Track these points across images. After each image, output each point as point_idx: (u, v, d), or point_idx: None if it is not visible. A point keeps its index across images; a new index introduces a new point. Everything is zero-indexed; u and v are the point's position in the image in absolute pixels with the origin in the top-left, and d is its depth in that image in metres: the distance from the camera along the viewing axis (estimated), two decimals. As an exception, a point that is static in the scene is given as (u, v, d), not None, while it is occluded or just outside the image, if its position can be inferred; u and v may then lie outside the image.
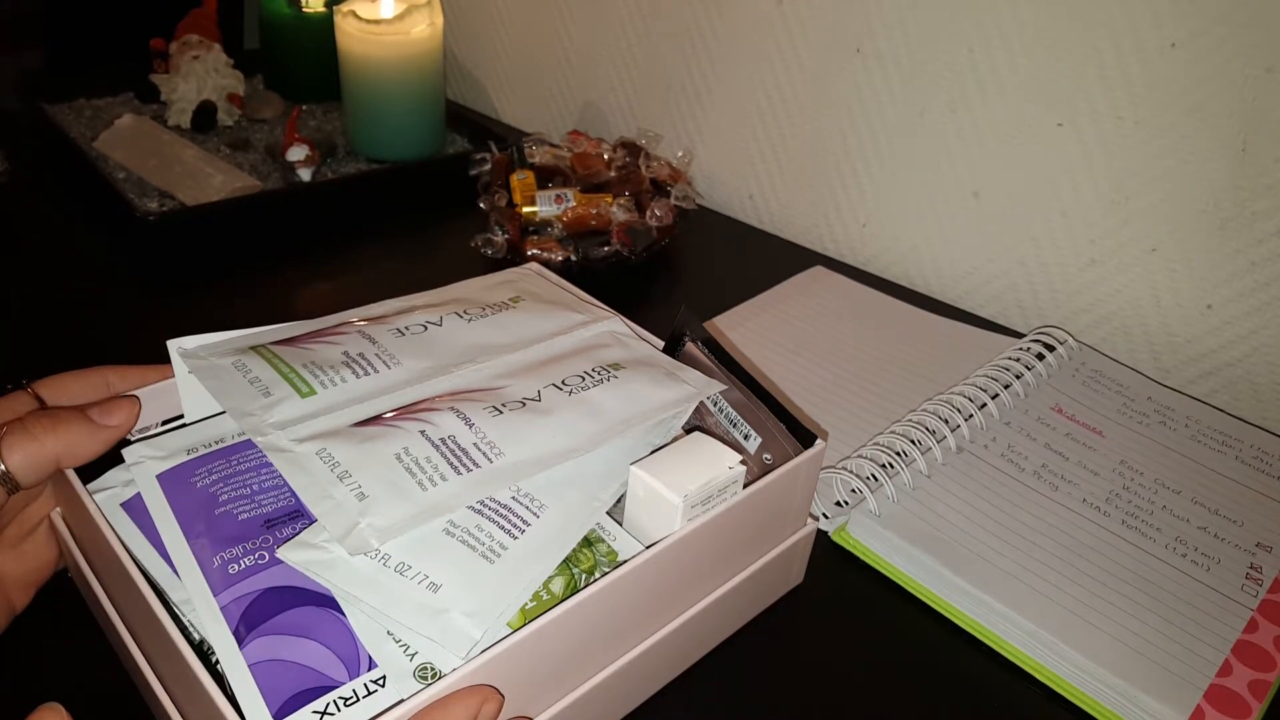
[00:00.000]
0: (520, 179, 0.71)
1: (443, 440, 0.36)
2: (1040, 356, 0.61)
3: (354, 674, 0.31)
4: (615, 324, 0.47)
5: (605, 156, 0.75)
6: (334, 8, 0.81)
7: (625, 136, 0.79)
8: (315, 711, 0.30)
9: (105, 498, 0.38)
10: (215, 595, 0.33)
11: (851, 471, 0.50)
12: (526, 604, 0.34)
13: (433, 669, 0.32)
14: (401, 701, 0.29)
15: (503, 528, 0.35)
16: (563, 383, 0.41)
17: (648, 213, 0.71)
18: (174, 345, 0.40)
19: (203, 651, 0.32)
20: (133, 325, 0.62)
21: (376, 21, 0.78)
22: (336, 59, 0.82)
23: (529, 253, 0.68)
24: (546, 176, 0.73)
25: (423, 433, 0.36)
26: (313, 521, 0.35)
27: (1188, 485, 0.53)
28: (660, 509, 0.36)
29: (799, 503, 0.42)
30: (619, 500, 0.38)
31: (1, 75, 0.92)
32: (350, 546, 0.32)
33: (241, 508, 0.37)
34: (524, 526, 0.35)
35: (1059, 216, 0.66)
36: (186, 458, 0.39)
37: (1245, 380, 0.62)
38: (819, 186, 0.78)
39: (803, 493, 0.42)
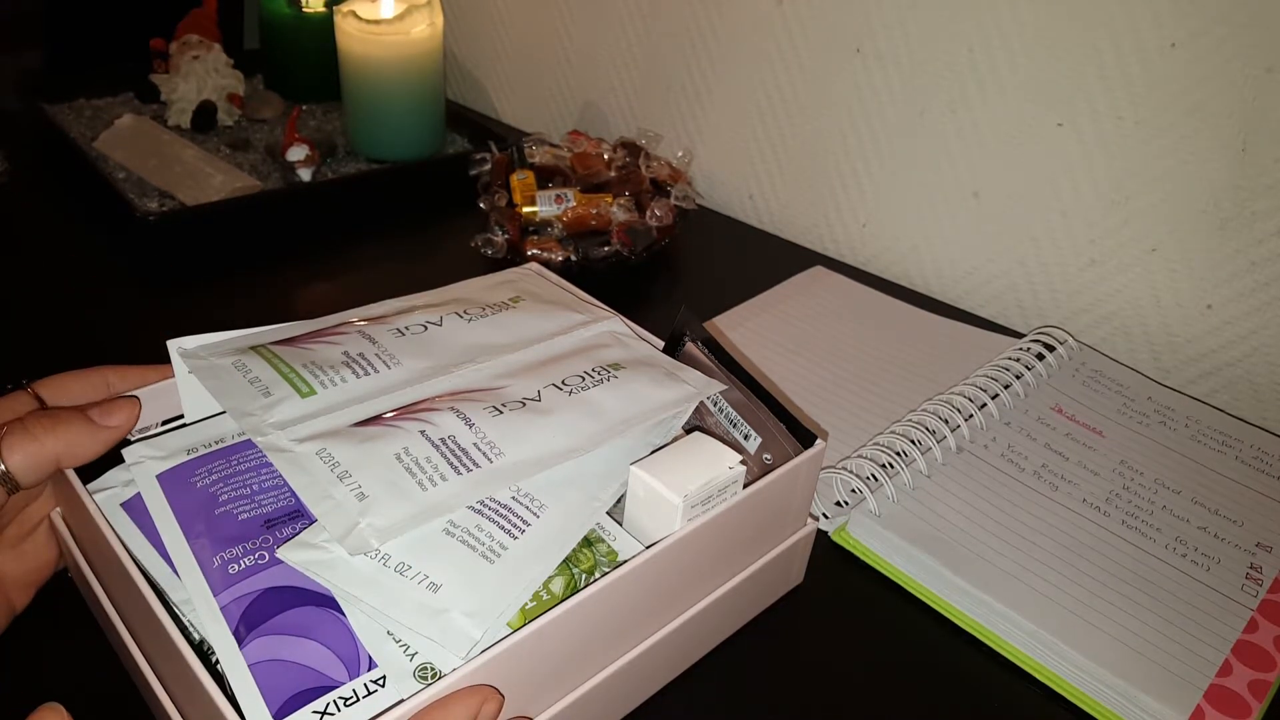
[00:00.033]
0: (520, 179, 0.71)
1: (443, 440, 0.36)
2: (1040, 356, 0.61)
3: (354, 674, 0.31)
4: (615, 324, 0.47)
5: (605, 156, 0.75)
6: (334, 8, 0.81)
7: (625, 136, 0.79)
8: (315, 711, 0.30)
9: (105, 498, 0.38)
10: (215, 595, 0.33)
11: (851, 471, 0.50)
12: (526, 604, 0.34)
13: (433, 669, 0.32)
14: (401, 701, 0.29)
15: (503, 528, 0.35)
16: (563, 383, 0.41)
17: (648, 213, 0.71)
18: (174, 345, 0.40)
19: (203, 651, 0.32)
20: (133, 325, 0.62)
21: (376, 21, 0.78)
22: (336, 59, 0.82)
23: (529, 253, 0.68)
24: (546, 176, 0.73)
25: (423, 433, 0.36)
26: (313, 521, 0.35)
27: (1188, 485, 0.53)
28: (660, 509, 0.36)
29: (799, 503, 0.42)
30: (619, 500, 0.38)
31: (1, 75, 0.92)
32: (350, 546, 0.32)
33: (241, 508, 0.37)
34: (524, 526, 0.35)
35: (1059, 216, 0.66)
36: (186, 458, 0.39)
37: (1245, 380, 0.62)
38: (819, 186, 0.78)
39: (803, 493, 0.42)
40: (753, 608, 0.44)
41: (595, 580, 0.34)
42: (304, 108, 0.90)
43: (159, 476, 0.38)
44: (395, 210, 0.79)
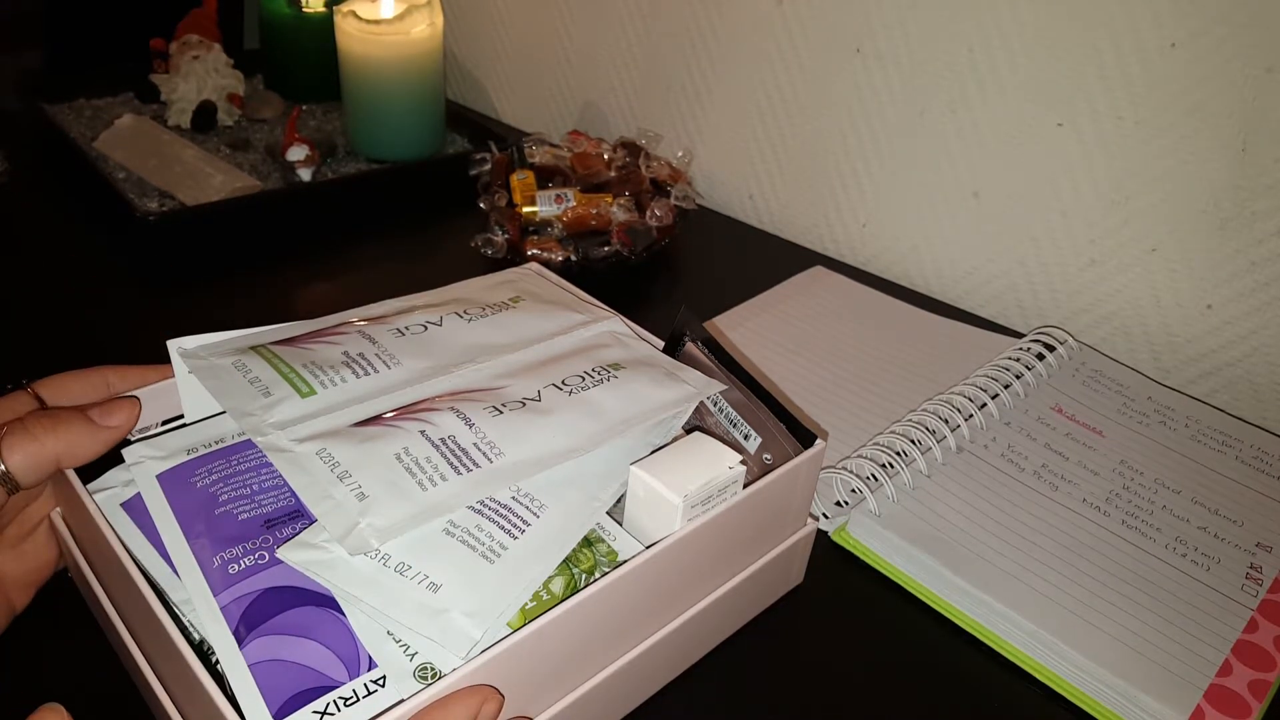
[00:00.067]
0: (520, 179, 0.71)
1: (443, 440, 0.36)
2: (1040, 356, 0.61)
3: (354, 674, 0.31)
4: (615, 324, 0.47)
5: (605, 156, 0.75)
6: (334, 8, 0.81)
7: (625, 136, 0.79)
8: (315, 711, 0.30)
9: (105, 498, 0.38)
10: (215, 595, 0.33)
11: (851, 471, 0.50)
12: (526, 604, 0.34)
13: (433, 669, 0.32)
14: (401, 701, 0.29)
15: (503, 528, 0.35)
16: (563, 383, 0.41)
17: (648, 213, 0.71)
18: (174, 345, 0.40)
19: (203, 651, 0.32)
20: (133, 325, 0.62)
21: (376, 21, 0.78)
22: (336, 59, 0.82)
23: (529, 253, 0.68)
24: (546, 176, 0.73)
25: (423, 433, 0.36)
26: (313, 521, 0.35)
27: (1188, 485, 0.53)
28: (660, 509, 0.36)
29: (799, 503, 0.42)
30: (619, 500, 0.38)
31: (1, 75, 0.92)
32: (350, 546, 0.32)
33: (241, 508, 0.37)
34: (524, 526, 0.35)
35: (1059, 216, 0.66)
36: (186, 458, 0.39)
37: (1245, 380, 0.62)
38: (819, 186, 0.78)
39: (803, 493, 0.42)
40: (753, 608, 0.44)
41: (595, 580, 0.34)
42: (304, 108, 0.90)
43: (159, 476, 0.38)
44: (395, 210, 0.79)
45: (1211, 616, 0.44)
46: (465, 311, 0.45)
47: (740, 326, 0.66)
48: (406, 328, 0.43)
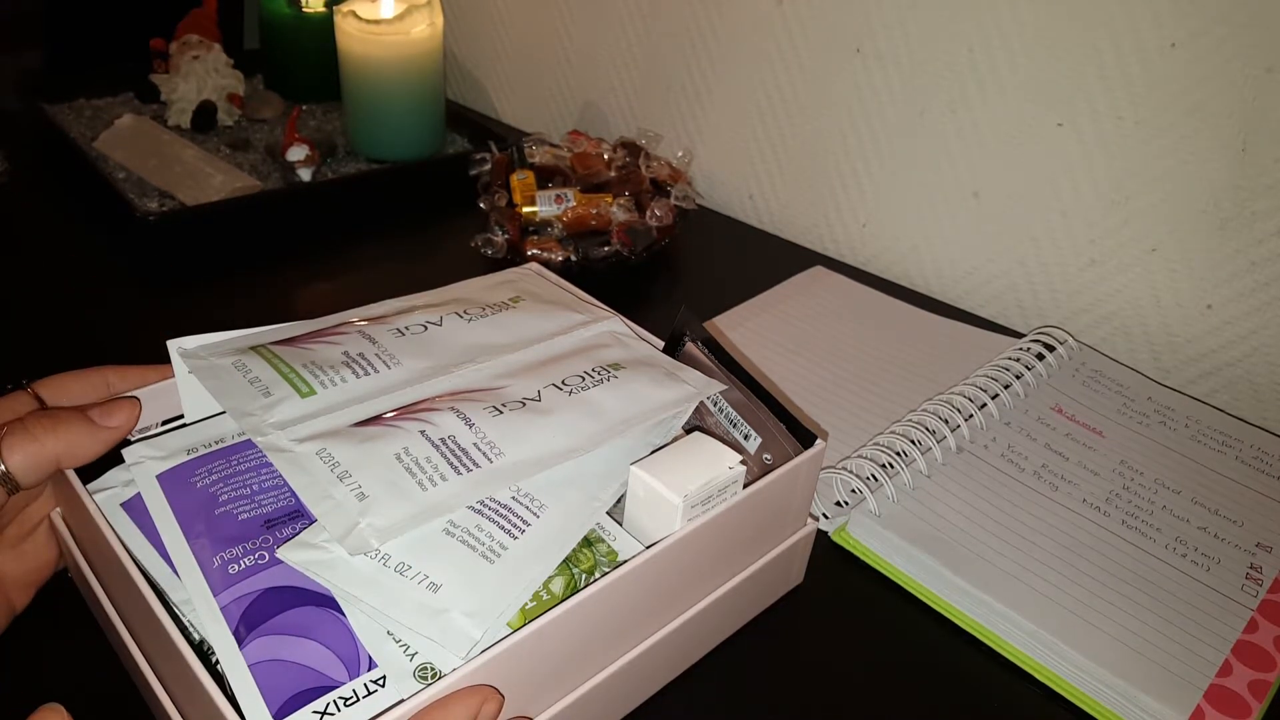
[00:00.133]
0: (520, 179, 0.71)
1: (443, 440, 0.36)
2: (1040, 356, 0.61)
3: (354, 674, 0.31)
4: (615, 324, 0.47)
5: (605, 156, 0.75)
6: (334, 8, 0.81)
7: (625, 136, 0.79)
8: (315, 711, 0.30)
9: (105, 498, 0.38)
10: (215, 595, 0.33)
11: (851, 471, 0.50)
12: (526, 604, 0.34)
13: (433, 669, 0.32)
14: (401, 701, 0.29)
15: (503, 528, 0.35)
16: (563, 383, 0.41)
17: (648, 213, 0.71)
18: (174, 345, 0.40)
19: (203, 651, 0.32)
20: (133, 325, 0.62)
21: (376, 21, 0.78)
22: (336, 59, 0.82)
23: (529, 253, 0.68)
24: (546, 176, 0.73)
25: (423, 433, 0.36)
26: (313, 521, 0.35)
27: (1188, 485, 0.53)
28: (660, 509, 0.36)
29: (799, 503, 0.42)
30: (619, 500, 0.38)
31: (1, 75, 0.92)
32: (350, 546, 0.32)
33: (241, 508, 0.37)
34: (524, 526, 0.35)
35: (1059, 216, 0.66)
36: (186, 458, 0.39)
37: (1245, 380, 0.62)
38: (819, 186, 0.78)
39: (803, 493, 0.42)
40: (753, 608, 0.44)
41: (595, 580, 0.34)
42: (304, 108, 0.90)
43: (159, 476, 0.38)
44: (395, 210, 0.79)
45: (1211, 616, 0.44)
46: (465, 311, 0.45)
47: (740, 326, 0.66)
48: (406, 328, 0.43)
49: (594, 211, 0.70)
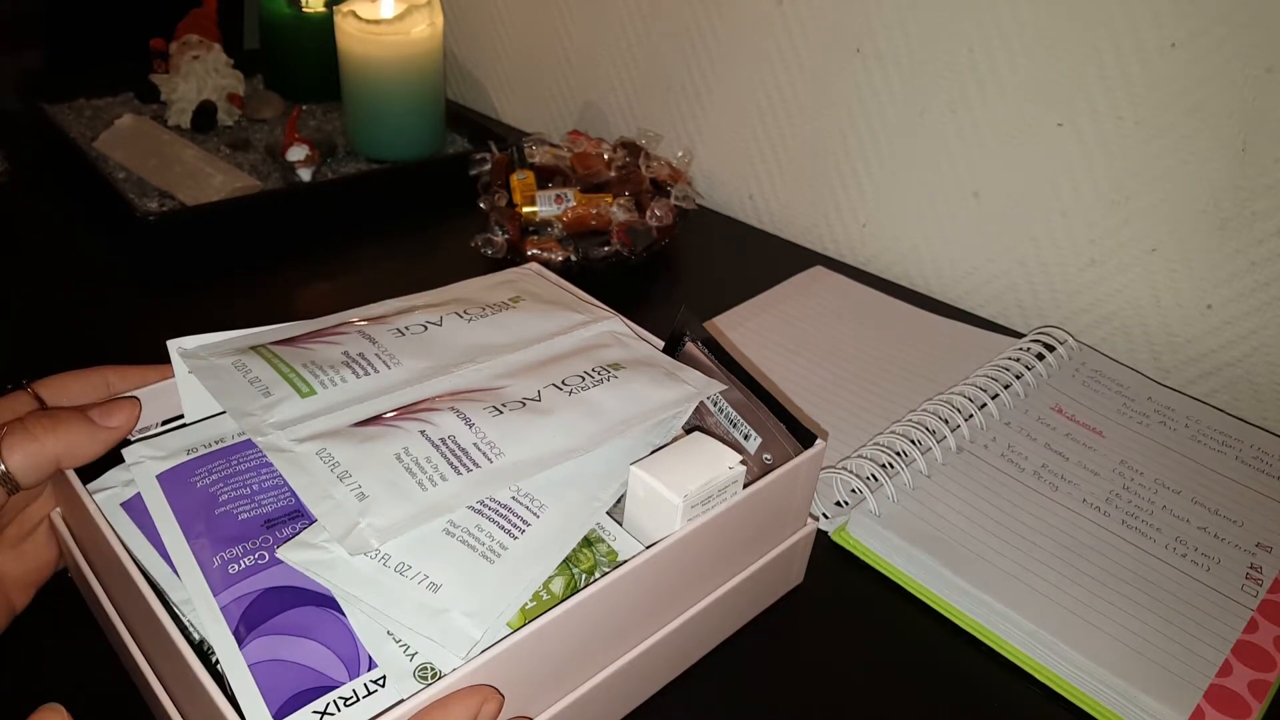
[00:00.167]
0: (520, 179, 0.71)
1: (443, 440, 0.36)
2: (1040, 356, 0.61)
3: (354, 674, 0.31)
4: (615, 324, 0.47)
5: (605, 156, 0.75)
6: (334, 8, 0.81)
7: (625, 136, 0.79)
8: (315, 711, 0.30)
9: (105, 498, 0.38)
10: (215, 595, 0.33)
11: (851, 471, 0.50)
12: (526, 604, 0.34)
13: (433, 669, 0.32)
14: (401, 701, 0.29)
15: (503, 528, 0.35)
16: (563, 383, 0.41)
17: (648, 213, 0.71)
18: (174, 345, 0.40)
19: (203, 651, 0.32)
20: (133, 325, 0.62)
21: (376, 21, 0.78)
22: (336, 59, 0.82)
23: (529, 253, 0.68)
24: (546, 176, 0.73)
25: (423, 433, 0.36)
26: (313, 521, 0.35)
27: (1188, 485, 0.53)
28: (660, 509, 0.36)
29: (799, 503, 0.42)
30: (619, 500, 0.38)
31: (1, 75, 0.92)
32: (350, 546, 0.32)
33: (241, 508, 0.37)
34: (524, 526, 0.35)
35: (1059, 216, 0.66)
36: (186, 458, 0.39)
37: (1245, 380, 0.62)
38: (819, 186, 0.78)
39: (803, 493, 0.42)
40: (753, 608, 0.44)
41: (595, 580, 0.34)
42: (304, 108, 0.90)
43: (159, 476, 0.38)
44: (395, 210, 0.79)
45: (1211, 616, 0.44)
46: (465, 311, 0.45)
47: (740, 326, 0.66)
48: (406, 328, 0.43)
49: (594, 211, 0.70)
